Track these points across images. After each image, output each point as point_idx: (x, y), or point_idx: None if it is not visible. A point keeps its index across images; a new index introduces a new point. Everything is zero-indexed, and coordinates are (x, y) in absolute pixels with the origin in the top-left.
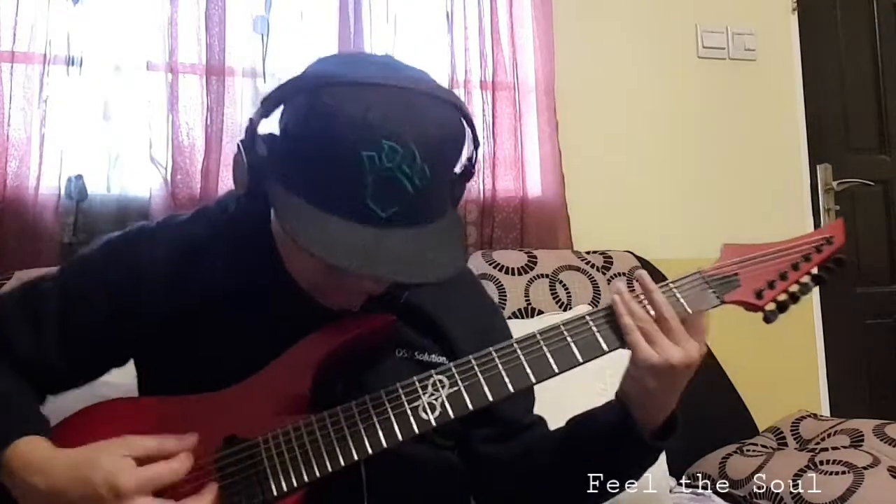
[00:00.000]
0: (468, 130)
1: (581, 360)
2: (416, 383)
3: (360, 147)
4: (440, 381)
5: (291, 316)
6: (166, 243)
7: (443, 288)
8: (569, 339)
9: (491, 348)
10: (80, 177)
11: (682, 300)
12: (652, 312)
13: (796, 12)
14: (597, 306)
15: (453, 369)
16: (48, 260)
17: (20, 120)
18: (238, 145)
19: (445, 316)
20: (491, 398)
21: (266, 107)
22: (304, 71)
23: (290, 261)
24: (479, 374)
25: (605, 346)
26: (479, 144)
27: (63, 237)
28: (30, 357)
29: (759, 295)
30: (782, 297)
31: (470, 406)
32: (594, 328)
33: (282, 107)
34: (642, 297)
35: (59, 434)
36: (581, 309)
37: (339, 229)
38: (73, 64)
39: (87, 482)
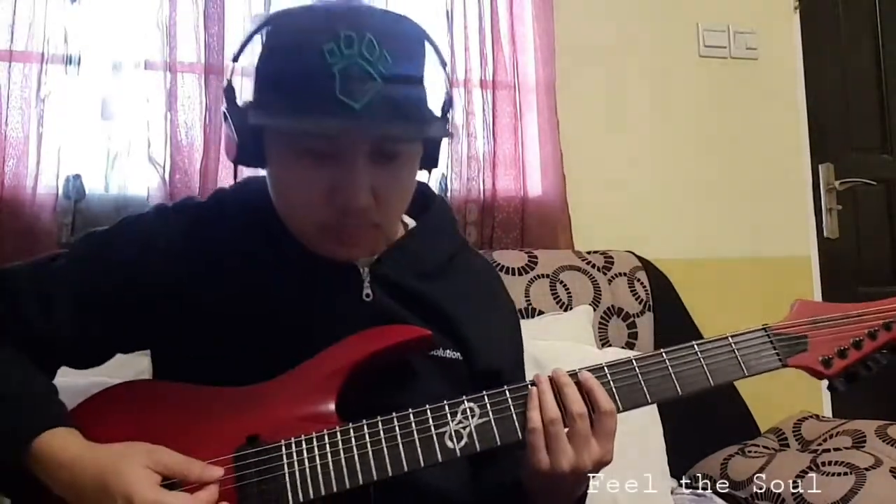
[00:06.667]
0: (431, 48)
1: (622, 409)
2: (447, 408)
3: (321, 42)
4: (471, 409)
5: (306, 290)
6: (180, 222)
7: (459, 284)
8: (610, 381)
9: (528, 381)
10: (77, 176)
11: (739, 357)
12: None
13: (798, 11)
14: (597, 307)
15: (486, 399)
16: None
17: (18, 119)
18: (223, 112)
19: (459, 312)
20: (521, 435)
21: (235, 58)
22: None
23: (290, 211)
24: (511, 407)
25: (648, 398)
26: (445, 63)
27: (61, 237)
28: (42, 332)
29: (826, 363)
30: (854, 367)
31: (498, 440)
32: (639, 375)
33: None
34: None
35: (78, 415)
36: (581, 309)
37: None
38: (70, 63)
39: (106, 488)
